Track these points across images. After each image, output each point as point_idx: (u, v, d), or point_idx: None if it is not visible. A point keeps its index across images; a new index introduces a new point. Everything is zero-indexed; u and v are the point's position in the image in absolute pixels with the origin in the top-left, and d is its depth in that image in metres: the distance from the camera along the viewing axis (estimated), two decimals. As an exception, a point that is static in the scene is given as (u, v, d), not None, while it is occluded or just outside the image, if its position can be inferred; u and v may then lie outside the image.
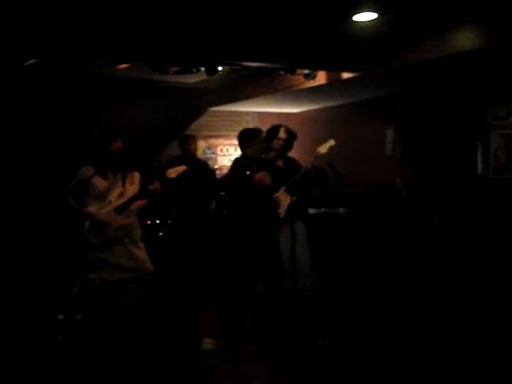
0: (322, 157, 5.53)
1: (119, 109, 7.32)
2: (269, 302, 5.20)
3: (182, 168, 5.00)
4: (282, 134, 5.71)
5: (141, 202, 5.02)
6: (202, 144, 8.29)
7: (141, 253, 5.05)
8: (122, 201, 4.89)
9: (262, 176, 5.09)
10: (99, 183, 4.88)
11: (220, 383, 4.24)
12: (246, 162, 5.23)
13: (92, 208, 4.83)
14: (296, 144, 6.04)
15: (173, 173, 4.95)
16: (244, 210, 5.25)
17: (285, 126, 5.79)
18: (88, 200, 4.84)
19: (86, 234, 4.75)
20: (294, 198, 5.49)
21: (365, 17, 4.51)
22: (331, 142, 5.54)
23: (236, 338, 5.07)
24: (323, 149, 5.52)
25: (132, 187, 5.00)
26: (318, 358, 4.60)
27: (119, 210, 4.86)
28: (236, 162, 5.40)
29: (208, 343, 4.87)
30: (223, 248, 5.87)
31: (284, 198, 5.48)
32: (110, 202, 4.87)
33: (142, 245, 5.12)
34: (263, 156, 5.44)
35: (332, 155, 5.83)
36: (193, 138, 7.04)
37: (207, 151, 8.56)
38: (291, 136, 5.78)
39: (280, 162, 5.73)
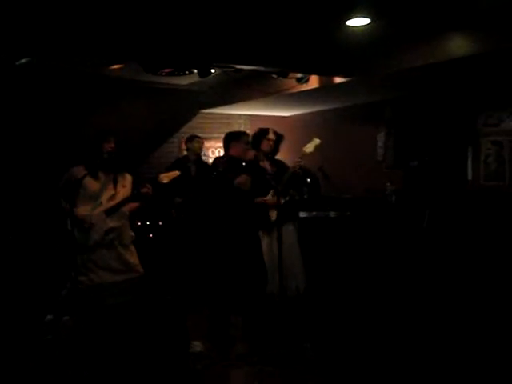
0: (308, 157, 5.51)
1: (111, 109, 7.31)
2: (255, 305, 5.20)
3: (174, 173, 4.98)
4: (271, 135, 5.69)
5: (133, 205, 5.01)
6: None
7: (131, 256, 5.02)
8: (112, 203, 4.85)
9: (243, 179, 5.07)
10: (90, 184, 4.85)
11: (209, 386, 4.24)
12: (227, 162, 5.24)
13: (83, 209, 4.80)
14: (287, 147, 6.04)
15: (165, 178, 4.93)
16: (212, 212, 5.29)
17: (272, 129, 5.77)
18: (78, 201, 4.81)
19: (75, 235, 4.71)
20: (284, 200, 5.48)
21: (358, 22, 4.53)
22: (316, 141, 5.52)
23: (224, 341, 5.07)
24: (309, 148, 5.50)
25: (123, 190, 4.96)
26: (306, 361, 4.60)
27: (109, 212, 4.83)
28: (214, 161, 5.46)
29: (196, 346, 4.86)
30: (206, 249, 5.85)
31: (274, 201, 5.47)
32: (101, 203, 4.84)
33: (132, 248, 5.08)
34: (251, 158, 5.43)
35: (323, 159, 5.85)
36: (199, 138, 7.11)
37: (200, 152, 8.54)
38: (279, 138, 5.77)
39: (267, 165, 5.71)
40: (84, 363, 4.39)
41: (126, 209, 4.95)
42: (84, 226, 4.76)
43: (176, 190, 6.22)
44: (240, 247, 5.18)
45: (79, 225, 4.76)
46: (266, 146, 5.67)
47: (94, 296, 4.79)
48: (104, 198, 4.87)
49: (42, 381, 4.23)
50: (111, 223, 4.85)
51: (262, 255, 5.28)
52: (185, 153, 7.40)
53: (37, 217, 6.40)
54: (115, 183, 4.92)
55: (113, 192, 4.91)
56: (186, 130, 8.68)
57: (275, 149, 5.77)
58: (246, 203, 5.25)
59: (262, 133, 5.71)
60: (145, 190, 4.85)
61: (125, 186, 5.00)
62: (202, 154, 7.51)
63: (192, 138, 7.11)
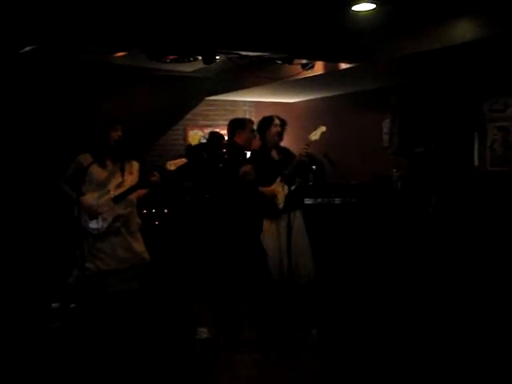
0: (313, 144, 5.49)
1: (115, 97, 7.30)
2: (260, 291, 5.21)
3: (181, 161, 4.99)
4: (277, 121, 5.65)
5: (140, 192, 5.03)
6: (198, 133, 8.31)
7: (137, 243, 5.06)
8: (120, 191, 4.88)
9: (247, 169, 5.08)
10: (97, 172, 4.86)
11: (215, 372, 4.25)
12: (230, 150, 5.25)
13: (90, 197, 4.82)
14: (292, 134, 6.02)
15: (172, 165, 4.94)
16: (217, 200, 5.32)
17: (276, 115, 5.73)
18: (85, 189, 4.83)
19: (83, 223, 4.73)
20: (292, 188, 5.46)
21: (363, 7, 4.50)
22: (322, 129, 5.50)
23: (230, 327, 5.09)
24: (314, 136, 5.48)
25: (131, 177, 4.98)
26: (313, 348, 4.61)
27: (117, 199, 4.86)
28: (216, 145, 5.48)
29: (203, 332, 4.88)
30: (212, 235, 5.87)
31: (281, 189, 5.46)
32: (109, 191, 4.86)
33: (139, 235, 5.12)
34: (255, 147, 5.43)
35: (328, 146, 5.83)
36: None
37: (203, 140, 8.53)
38: (284, 124, 5.73)
39: (274, 153, 5.70)
40: (91, 350, 4.42)
41: (134, 196, 4.97)
42: (91, 214, 4.79)
43: (184, 176, 6.22)
44: (244, 234, 5.21)
45: (86, 213, 4.78)
46: (273, 134, 5.63)
47: (100, 283, 4.82)
48: (111, 185, 4.89)
49: (49, 368, 4.25)
50: (119, 210, 4.88)
51: (260, 242, 5.31)
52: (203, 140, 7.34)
53: (43, 205, 6.42)
54: (122, 171, 4.94)
55: (120, 179, 4.93)
56: (191, 117, 8.68)
57: (281, 135, 5.75)
58: (251, 192, 5.25)
59: (267, 121, 5.67)
60: (154, 178, 4.88)
61: (132, 173, 5.01)
62: (208, 140, 7.49)
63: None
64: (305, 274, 5.58)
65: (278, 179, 5.53)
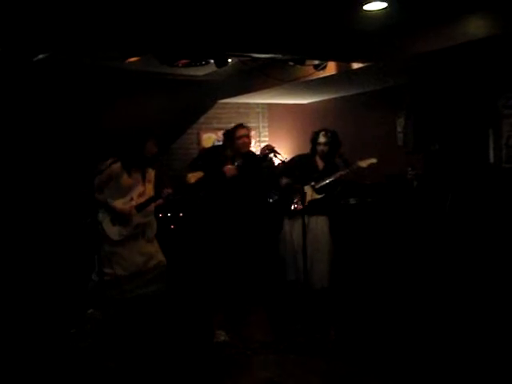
0: (358, 170, 5.56)
1: (128, 102, 7.33)
2: (273, 293, 5.27)
3: (200, 174, 5.10)
4: (321, 139, 5.71)
5: (159, 202, 5.20)
6: (211, 136, 8.32)
7: (153, 248, 5.16)
8: (141, 200, 5.05)
9: (227, 169, 5.48)
10: (124, 180, 4.98)
11: (234, 374, 4.25)
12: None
13: (119, 203, 4.92)
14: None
15: (192, 178, 5.05)
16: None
17: (326, 129, 5.80)
18: (110, 194, 4.93)
19: (103, 228, 4.82)
20: (320, 196, 5.55)
21: (375, 6, 4.49)
22: (373, 160, 5.59)
23: (245, 330, 5.10)
24: (364, 163, 5.58)
25: (149, 185, 5.18)
26: (330, 350, 4.60)
27: (139, 208, 5.02)
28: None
29: (221, 335, 4.88)
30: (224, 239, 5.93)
31: (310, 193, 5.51)
32: (132, 199, 4.98)
33: (155, 241, 5.24)
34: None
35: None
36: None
37: (217, 143, 8.55)
38: (330, 137, 5.77)
39: (320, 162, 5.80)
40: (110, 354, 4.44)
41: (153, 205, 5.15)
42: (118, 218, 4.87)
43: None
44: (253, 238, 5.32)
45: (111, 217, 4.87)
46: (319, 151, 5.77)
47: (118, 288, 4.85)
48: (135, 193, 5.03)
49: (69, 373, 4.28)
50: (140, 219, 5.04)
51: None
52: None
53: (59, 211, 6.47)
54: (144, 179, 5.08)
55: (142, 188, 5.11)
56: (204, 121, 8.71)
57: (331, 148, 5.78)
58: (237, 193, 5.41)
59: (316, 137, 5.79)
60: (167, 191, 5.06)
61: (150, 181, 5.19)
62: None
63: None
64: (318, 280, 5.55)
65: (312, 183, 5.56)
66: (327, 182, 5.61)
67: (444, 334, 4.64)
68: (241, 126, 5.85)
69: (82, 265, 5.33)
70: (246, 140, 5.76)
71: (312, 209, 5.44)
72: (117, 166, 4.92)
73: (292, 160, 5.90)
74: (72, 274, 5.69)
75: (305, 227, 4.98)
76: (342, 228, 6.23)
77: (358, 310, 5.38)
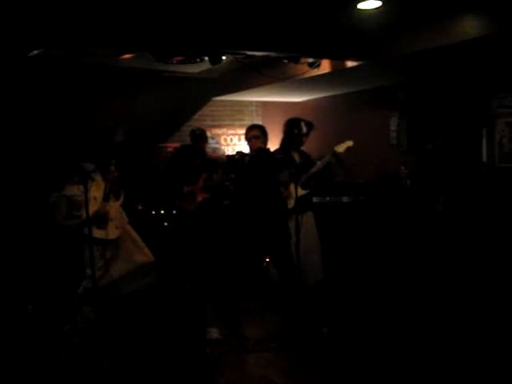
0: (338, 156, 5.58)
1: (123, 99, 7.31)
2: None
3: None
4: (304, 129, 5.71)
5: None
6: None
7: (141, 245, 5.19)
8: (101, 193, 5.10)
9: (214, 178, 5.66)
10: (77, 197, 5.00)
11: (226, 372, 4.26)
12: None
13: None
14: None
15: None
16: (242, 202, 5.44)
17: (304, 120, 5.78)
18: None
19: (94, 235, 4.85)
20: (305, 192, 5.55)
21: (369, 5, 4.50)
22: (349, 143, 5.61)
23: (238, 327, 5.11)
24: (340, 148, 5.59)
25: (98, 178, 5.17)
26: (324, 347, 4.61)
27: (105, 198, 5.08)
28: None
29: (213, 332, 4.89)
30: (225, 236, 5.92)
31: (293, 190, 5.49)
32: (95, 198, 5.03)
33: (138, 239, 5.31)
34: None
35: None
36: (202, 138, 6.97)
37: (211, 141, 8.54)
38: (310, 128, 5.78)
39: (296, 156, 5.76)
40: (102, 352, 4.44)
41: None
42: (99, 219, 4.93)
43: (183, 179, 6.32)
44: (256, 233, 5.29)
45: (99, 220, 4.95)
46: (301, 140, 5.77)
47: (112, 288, 4.86)
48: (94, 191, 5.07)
49: (63, 370, 4.28)
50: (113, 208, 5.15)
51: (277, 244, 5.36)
52: None
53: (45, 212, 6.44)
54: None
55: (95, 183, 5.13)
56: (198, 118, 8.70)
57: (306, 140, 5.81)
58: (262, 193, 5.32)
59: (294, 126, 5.76)
60: (112, 175, 5.07)
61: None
62: (215, 141, 7.53)
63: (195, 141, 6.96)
64: (312, 274, 5.58)
65: (287, 173, 5.54)
66: (314, 173, 5.59)
67: (438, 332, 4.66)
68: (253, 126, 5.72)
69: (75, 263, 5.33)
70: (253, 141, 5.67)
71: (302, 205, 5.41)
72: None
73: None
74: (66, 272, 5.67)
75: (298, 224, 4.98)
76: (335, 226, 6.26)
77: (352, 307, 5.39)
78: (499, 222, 5.47)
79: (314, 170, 5.64)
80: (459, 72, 6.15)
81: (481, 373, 4.00)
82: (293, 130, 5.75)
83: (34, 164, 6.58)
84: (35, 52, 5.26)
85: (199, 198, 6.29)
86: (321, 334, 4.81)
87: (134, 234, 5.30)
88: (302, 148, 5.90)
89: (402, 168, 6.51)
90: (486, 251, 5.39)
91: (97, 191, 5.07)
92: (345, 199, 6.55)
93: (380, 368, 4.18)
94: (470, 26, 4.68)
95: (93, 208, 4.89)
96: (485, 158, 6.18)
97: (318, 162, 5.69)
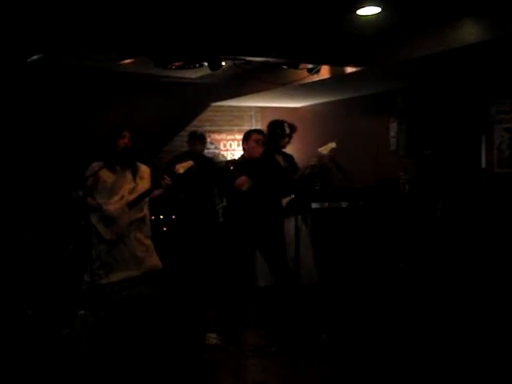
0: (322, 158, 5.52)
1: (122, 104, 7.33)
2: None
3: (189, 163, 5.03)
4: (287, 130, 5.67)
5: (155, 192, 5.05)
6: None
7: (148, 249, 5.07)
8: (133, 196, 4.92)
9: (240, 181, 5.11)
10: (107, 176, 4.89)
11: (224, 378, 4.24)
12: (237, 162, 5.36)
13: (110, 207, 4.86)
14: (298, 138, 6.03)
15: (181, 168, 4.98)
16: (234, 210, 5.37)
17: (286, 121, 5.74)
18: (101, 196, 4.86)
19: (96, 229, 4.77)
20: (292, 196, 5.50)
21: (368, 11, 4.51)
22: (332, 145, 5.52)
23: (236, 332, 5.10)
24: (324, 150, 5.51)
25: (142, 182, 5.01)
26: (322, 352, 4.60)
27: (132, 205, 4.90)
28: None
29: (212, 338, 4.88)
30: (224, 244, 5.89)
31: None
32: (123, 196, 4.90)
33: (149, 241, 5.12)
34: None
35: (335, 150, 5.83)
36: (200, 141, 6.96)
37: (210, 146, 8.55)
38: (292, 130, 5.75)
39: (280, 159, 5.71)
40: (101, 356, 4.42)
41: (152, 195, 5.04)
42: (106, 218, 4.84)
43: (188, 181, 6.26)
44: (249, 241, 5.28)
45: (100, 218, 4.83)
46: (284, 141, 5.70)
47: (110, 289, 4.83)
48: (125, 191, 4.91)
49: (61, 374, 4.26)
50: (133, 215, 4.93)
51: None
52: None
53: (51, 212, 6.44)
54: (134, 176, 4.98)
55: (133, 184, 4.97)
56: (197, 124, 8.69)
57: (289, 141, 5.77)
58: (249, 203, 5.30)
59: (276, 127, 5.68)
60: (165, 181, 4.93)
61: (143, 178, 5.05)
62: (214, 147, 7.53)
63: (194, 141, 6.96)
64: (306, 275, 5.58)
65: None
66: (305, 176, 5.53)
67: (436, 337, 4.65)
68: (257, 131, 5.56)
69: (75, 266, 5.31)
70: (254, 146, 5.61)
71: (295, 209, 5.36)
72: (96, 164, 4.86)
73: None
74: (65, 276, 5.66)
75: (297, 226, 4.96)
76: (334, 231, 6.26)
77: (350, 311, 5.38)
78: (498, 228, 5.47)
79: (304, 174, 5.52)
80: (458, 78, 6.17)
81: (480, 379, 3.99)
82: (276, 130, 5.67)
83: (30, 167, 6.59)
84: (35, 57, 5.27)
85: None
86: (319, 340, 4.80)
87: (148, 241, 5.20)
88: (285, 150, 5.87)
89: (401, 173, 6.52)
90: (485, 256, 5.39)
91: (140, 184, 4.97)
92: (344, 204, 6.55)
93: (378, 373, 4.17)
94: (468, 33, 4.70)
95: (115, 204, 4.86)
96: (484, 164, 6.19)
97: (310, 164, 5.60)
